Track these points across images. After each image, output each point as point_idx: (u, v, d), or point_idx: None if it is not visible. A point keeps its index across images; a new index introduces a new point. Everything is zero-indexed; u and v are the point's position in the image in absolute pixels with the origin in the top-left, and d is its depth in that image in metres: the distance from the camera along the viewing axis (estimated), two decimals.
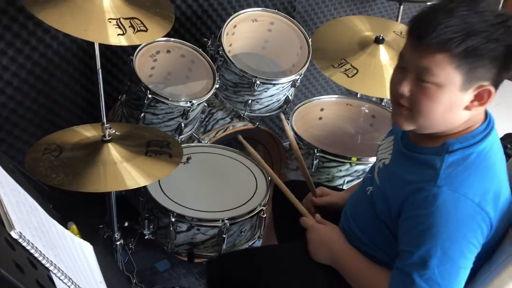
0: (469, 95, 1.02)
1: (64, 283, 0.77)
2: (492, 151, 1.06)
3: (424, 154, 1.09)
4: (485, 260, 1.10)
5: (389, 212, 1.10)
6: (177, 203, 1.60)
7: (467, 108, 1.03)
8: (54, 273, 0.76)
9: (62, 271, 0.77)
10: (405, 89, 1.05)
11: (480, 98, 1.02)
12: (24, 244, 0.72)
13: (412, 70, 1.04)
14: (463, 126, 1.06)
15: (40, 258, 0.74)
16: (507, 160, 1.32)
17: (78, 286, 0.79)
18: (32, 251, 0.73)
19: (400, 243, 1.07)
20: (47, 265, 0.75)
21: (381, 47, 2.00)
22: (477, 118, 1.07)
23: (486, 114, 1.10)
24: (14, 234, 0.71)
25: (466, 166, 1.02)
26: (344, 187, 1.79)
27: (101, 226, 1.78)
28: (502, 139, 2.24)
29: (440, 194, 1.00)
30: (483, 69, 0.99)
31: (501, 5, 2.41)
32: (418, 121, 1.07)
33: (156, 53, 1.89)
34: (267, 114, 2.10)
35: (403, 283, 1.03)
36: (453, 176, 1.01)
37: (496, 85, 1.03)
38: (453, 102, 1.02)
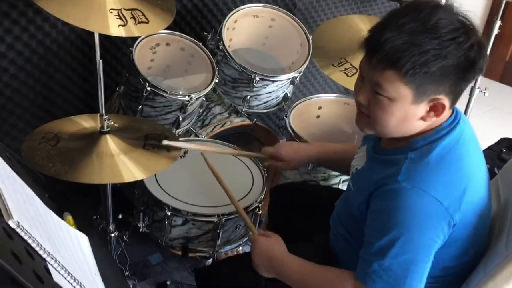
0: (423, 107, 1.04)
1: (61, 274, 0.76)
2: (458, 144, 1.07)
3: (391, 155, 1.12)
4: (465, 253, 1.11)
5: (361, 212, 1.13)
6: (173, 197, 1.60)
7: (422, 118, 1.06)
8: (51, 264, 0.75)
9: (59, 262, 0.76)
10: (362, 98, 1.09)
11: (436, 109, 1.04)
12: (22, 234, 0.71)
13: (368, 81, 1.06)
14: (427, 125, 1.08)
15: (37, 249, 0.73)
16: (502, 166, 1.33)
17: (74, 277, 0.79)
18: (29, 241, 0.72)
19: (365, 234, 1.10)
20: (44, 255, 0.74)
21: None
22: (443, 115, 1.07)
23: (453, 108, 1.11)
24: (12, 224, 0.70)
25: (428, 161, 1.04)
26: (340, 186, 1.80)
27: (95, 217, 1.77)
28: (497, 143, 2.26)
29: (401, 189, 1.02)
30: (433, 84, 1.00)
31: (497, 26, 2.40)
32: (375, 129, 1.11)
33: (155, 45, 1.88)
34: (265, 111, 2.10)
35: (364, 271, 1.07)
36: (414, 172, 1.04)
37: (455, 96, 1.05)
38: (406, 114, 1.04)
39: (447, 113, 1.06)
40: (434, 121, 1.07)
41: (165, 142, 1.42)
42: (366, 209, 1.11)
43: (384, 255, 1.03)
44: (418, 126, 1.07)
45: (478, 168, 1.11)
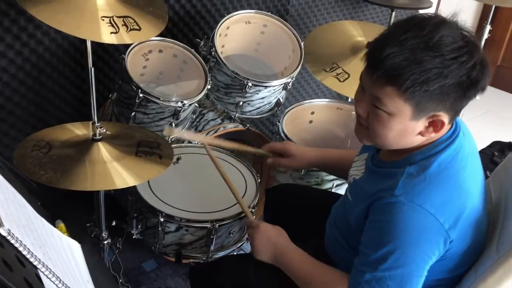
0: (422, 123, 1.03)
1: (52, 281, 0.76)
2: (456, 158, 1.06)
3: (389, 167, 1.11)
4: (460, 266, 1.11)
5: (359, 224, 1.12)
6: (166, 203, 1.60)
7: (421, 134, 1.05)
8: (42, 272, 0.75)
9: (50, 269, 0.76)
10: (361, 111, 1.08)
11: (435, 125, 1.03)
12: (13, 241, 0.71)
13: (368, 94, 1.05)
14: (426, 139, 1.07)
15: (28, 256, 0.73)
16: (494, 169, 1.34)
17: (66, 284, 0.79)
18: (20, 248, 0.72)
19: (361, 243, 1.10)
20: (35, 263, 0.74)
21: None
22: (443, 129, 1.06)
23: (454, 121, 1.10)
24: (2, 231, 0.70)
25: (425, 176, 1.03)
26: (333, 190, 1.80)
27: (88, 224, 1.77)
28: (489, 146, 2.28)
29: (397, 203, 1.01)
30: (433, 102, 0.99)
31: (487, 30, 2.42)
32: (374, 141, 1.11)
33: (148, 52, 1.89)
34: (257, 116, 2.10)
35: (356, 280, 1.07)
36: (411, 186, 1.03)
37: (455, 112, 1.03)
38: (405, 129, 1.04)
39: (446, 128, 1.05)
40: (433, 136, 1.06)
41: (166, 131, 1.42)
42: (364, 220, 1.10)
43: (377, 267, 1.03)
44: (416, 140, 1.06)
45: (475, 181, 1.09)
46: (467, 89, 0.99)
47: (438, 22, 0.98)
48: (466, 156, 1.08)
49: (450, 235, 1.02)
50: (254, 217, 1.64)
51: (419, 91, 0.96)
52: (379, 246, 1.03)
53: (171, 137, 1.42)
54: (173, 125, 1.84)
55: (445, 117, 1.02)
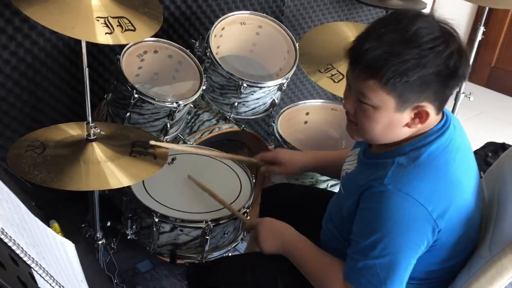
0: (407, 115, 1.05)
1: (45, 280, 0.76)
2: (446, 150, 1.08)
3: (379, 159, 1.13)
4: (450, 258, 1.13)
5: (351, 215, 1.15)
6: (160, 204, 1.60)
7: (407, 125, 1.07)
8: (35, 270, 0.75)
9: (44, 268, 0.76)
10: (349, 107, 1.11)
11: (420, 116, 1.05)
12: (6, 240, 0.71)
13: (353, 90, 1.08)
14: (414, 131, 1.09)
15: (21, 255, 0.73)
16: (487, 169, 1.35)
17: (59, 283, 0.79)
18: (14, 247, 0.72)
19: (352, 231, 1.12)
20: (29, 262, 0.74)
21: None
22: (431, 120, 1.08)
23: (443, 113, 1.12)
24: None
25: (414, 166, 1.05)
26: (328, 189, 1.81)
27: (83, 225, 1.76)
28: (483, 147, 2.29)
29: (386, 192, 1.04)
30: (415, 92, 1.01)
31: (481, 32, 2.44)
32: (364, 136, 1.13)
33: (143, 53, 1.89)
34: (253, 117, 2.11)
35: (350, 269, 1.10)
36: (400, 176, 1.05)
37: (439, 102, 1.06)
38: (391, 121, 1.06)
39: (434, 119, 1.08)
40: (420, 127, 1.08)
41: (152, 142, 1.45)
42: (355, 211, 1.13)
43: (367, 255, 1.05)
44: (404, 132, 1.08)
45: (468, 177, 1.11)
46: (447, 78, 1.01)
47: (414, 15, 1.02)
48: (456, 149, 1.10)
49: (438, 224, 1.04)
50: (249, 218, 1.65)
51: (400, 82, 0.99)
52: (369, 233, 1.06)
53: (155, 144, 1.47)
54: (168, 126, 1.84)
55: (429, 108, 1.04)
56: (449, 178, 1.07)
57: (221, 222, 1.58)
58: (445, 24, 1.03)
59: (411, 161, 1.06)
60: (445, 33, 1.02)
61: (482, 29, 2.44)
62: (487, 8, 2.43)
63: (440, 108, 1.08)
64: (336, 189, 1.81)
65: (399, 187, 1.03)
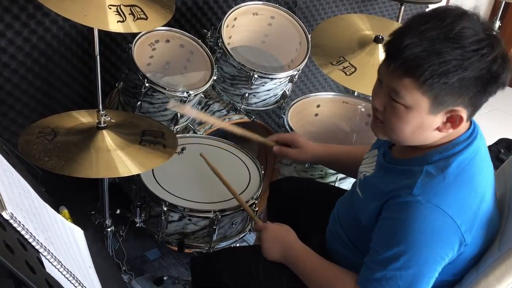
0: (440, 118, 1.01)
1: (54, 265, 0.77)
2: (474, 161, 1.04)
3: (405, 165, 1.09)
4: (467, 269, 1.10)
5: (370, 221, 1.11)
6: (169, 193, 1.61)
7: (438, 129, 1.02)
8: (43, 255, 0.76)
9: (52, 253, 0.77)
10: (378, 104, 1.06)
11: (453, 121, 1.01)
12: (15, 225, 0.72)
13: (385, 87, 1.03)
14: (444, 136, 1.05)
15: (30, 240, 0.74)
16: (499, 166, 1.33)
17: (67, 268, 0.80)
18: (22, 232, 0.73)
19: (372, 240, 1.08)
20: (37, 247, 0.75)
21: (380, 46, 2.00)
22: (461, 127, 1.04)
23: (471, 121, 1.08)
24: (5, 215, 0.71)
25: (444, 177, 1.01)
26: (337, 184, 1.80)
27: (93, 212, 1.78)
28: (496, 143, 2.27)
29: (414, 202, 0.99)
30: (452, 96, 0.96)
31: (497, 26, 2.40)
32: (390, 136, 1.08)
33: (155, 42, 1.89)
34: (263, 108, 2.10)
35: (366, 278, 1.06)
36: (429, 186, 1.01)
37: (474, 108, 1.01)
38: (422, 123, 1.01)
39: (464, 125, 1.03)
40: (450, 132, 1.03)
41: (171, 104, 1.43)
42: (376, 218, 1.08)
43: (388, 266, 1.02)
44: (433, 136, 1.04)
45: (488, 184, 1.08)
46: (487, 83, 0.96)
47: (459, 14, 0.96)
48: (483, 160, 1.06)
49: (466, 239, 1.01)
50: (257, 209, 1.66)
51: (438, 83, 0.94)
52: (392, 244, 1.01)
53: (173, 109, 1.44)
54: (178, 115, 1.84)
55: (463, 113, 0.99)
56: (476, 190, 1.03)
57: (229, 212, 1.59)
58: (489, 27, 0.97)
59: (439, 171, 1.01)
60: (490, 35, 0.96)
61: (498, 23, 2.40)
62: (503, 2, 2.39)
63: (472, 114, 1.03)
64: (344, 184, 1.81)
65: (428, 198, 0.99)
